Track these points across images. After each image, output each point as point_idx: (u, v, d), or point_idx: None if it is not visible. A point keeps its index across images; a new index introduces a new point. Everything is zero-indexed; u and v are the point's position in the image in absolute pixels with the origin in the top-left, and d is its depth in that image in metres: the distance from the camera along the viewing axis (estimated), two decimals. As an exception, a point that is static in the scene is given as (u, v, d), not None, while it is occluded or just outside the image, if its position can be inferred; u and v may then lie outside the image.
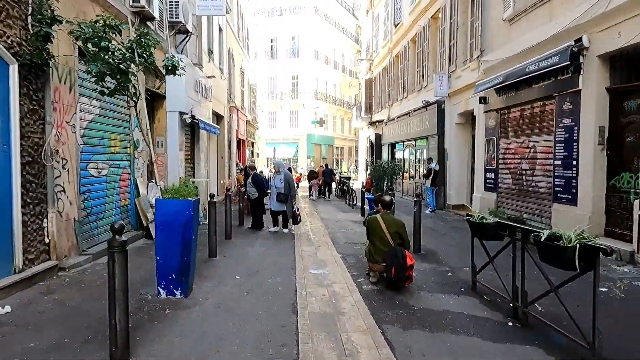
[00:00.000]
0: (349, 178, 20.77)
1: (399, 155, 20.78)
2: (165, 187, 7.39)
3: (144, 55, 4.82)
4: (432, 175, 13.58)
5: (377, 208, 6.26)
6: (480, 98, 11.53)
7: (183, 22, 10.31)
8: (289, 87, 42.34)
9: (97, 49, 4.57)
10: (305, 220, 12.02)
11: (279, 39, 42.55)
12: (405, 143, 19.26)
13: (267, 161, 39.05)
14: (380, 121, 22.80)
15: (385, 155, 22.01)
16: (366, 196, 12.03)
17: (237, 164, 21.88)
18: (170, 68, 4.90)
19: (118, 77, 4.76)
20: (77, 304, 4.76)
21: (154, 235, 7.45)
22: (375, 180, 11.73)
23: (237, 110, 21.16)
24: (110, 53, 4.60)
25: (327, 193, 20.80)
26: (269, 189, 10.19)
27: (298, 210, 9.92)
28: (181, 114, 10.64)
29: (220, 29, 16.93)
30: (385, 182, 11.35)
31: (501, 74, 10.16)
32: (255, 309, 4.73)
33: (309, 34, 41.20)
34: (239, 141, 23.52)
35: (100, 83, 4.88)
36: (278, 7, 42.26)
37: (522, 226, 4.29)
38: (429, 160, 13.97)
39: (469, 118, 13.64)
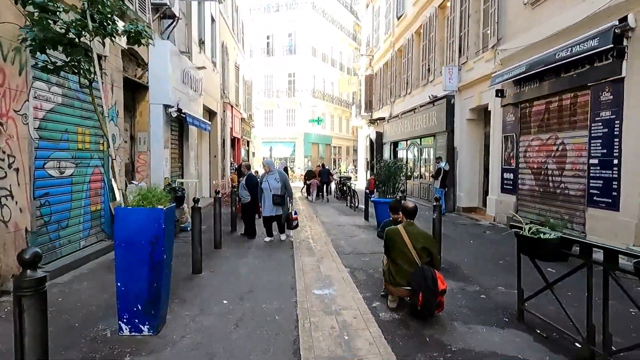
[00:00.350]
0: (349, 178, 19.67)
1: (401, 154, 19.69)
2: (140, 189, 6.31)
3: (105, 22, 3.69)
4: (441, 176, 12.50)
5: (395, 216, 5.16)
6: (497, 91, 10.45)
7: (168, 3, 9.16)
8: (286, 85, 41.19)
9: (39, 12, 3.44)
10: (304, 225, 10.90)
11: (275, 36, 41.39)
12: (409, 141, 18.18)
13: (264, 161, 38.02)
14: (382, 119, 21.71)
15: (387, 154, 20.92)
16: (372, 199, 10.92)
17: (231, 164, 20.75)
18: (132, 35, 3.74)
19: (68, 49, 3.62)
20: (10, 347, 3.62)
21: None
22: (381, 182, 10.64)
23: (232, 106, 20.02)
24: (53, 15, 3.45)
25: (324, 194, 19.74)
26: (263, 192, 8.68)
27: (295, 213, 8.69)
28: (166, 107, 9.49)
29: (212, 20, 15.78)
30: (394, 184, 10.22)
31: (523, 62, 9.07)
32: (246, 351, 3.60)
33: (306, 30, 40.06)
34: (233, 139, 22.37)
35: (42, 56, 3.73)
36: (274, 2, 41.09)
37: (604, 245, 3.18)
38: (438, 159, 12.86)
39: (482, 113, 12.57)
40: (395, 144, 20.31)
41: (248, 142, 27.20)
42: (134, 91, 9.19)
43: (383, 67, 22.24)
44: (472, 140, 12.81)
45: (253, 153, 29.16)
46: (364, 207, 13.11)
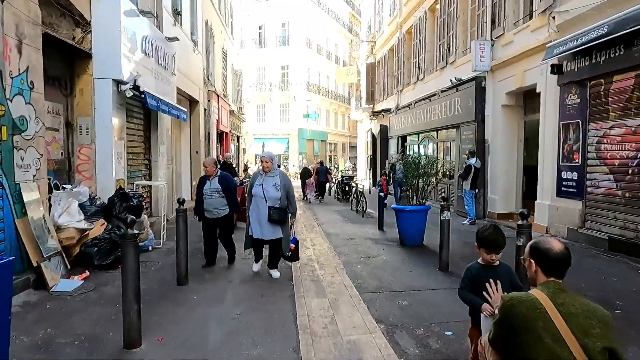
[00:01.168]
0: (352, 177, 17.22)
1: (412, 149, 17.30)
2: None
3: None
4: (471, 175, 10.08)
5: (489, 257, 2.68)
6: (553, 66, 8.02)
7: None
8: (279, 78, 38.60)
9: None
10: (305, 238, 8.43)
11: (267, 26, 38.76)
12: (421, 135, 15.75)
13: (256, 158, 35.36)
14: (387, 110, 19.25)
15: (392, 149, 18.47)
16: (394, 206, 8.49)
17: (218, 161, 18.20)
18: None
19: None
20: None
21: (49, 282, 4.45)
22: (404, 183, 8.21)
23: (218, 96, 17.47)
24: None
25: (322, 194, 17.34)
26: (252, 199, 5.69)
27: (295, 242, 5.83)
28: (118, 83, 6.94)
29: (193, -10, 13.21)
30: (425, 186, 7.76)
31: (599, 24, 6.65)
32: None
33: (300, 20, 37.47)
34: (220, 134, 19.81)
35: None
36: (266, -10, 38.46)
37: None
38: (471, 154, 10.30)
39: (521, 98, 10.16)
40: (403, 139, 17.86)
41: (238, 137, 24.64)
42: (72, 60, 6.63)
43: (388, 53, 19.77)
44: (509, 130, 10.38)
45: (244, 149, 26.61)
46: (376, 213, 10.69)
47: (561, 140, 8.09)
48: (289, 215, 5.65)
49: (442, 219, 6.05)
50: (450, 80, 12.05)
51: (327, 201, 16.98)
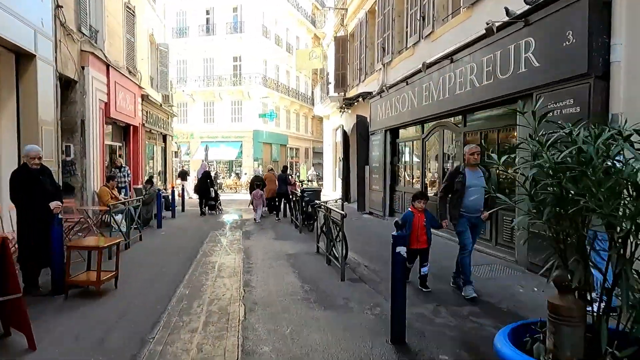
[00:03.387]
0: (317, 192, 11.01)
1: (408, 149, 11.31)
2: None
3: None
4: None
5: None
6: None
7: None
8: (230, 71, 32.04)
9: None
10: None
11: (216, 10, 32.19)
12: (429, 124, 9.74)
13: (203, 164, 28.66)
14: (365, 95, 13.27)
15: (377, 150, 12.41)
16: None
17: (113, 168, 11.60)
18: None
19: None
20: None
21: None
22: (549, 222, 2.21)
23: (109, 66, 10.88)
24: None
25: (281, 210, 11.25)
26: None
27: None
28: None
29: None
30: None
31: None
32: None
33: (254, 4, 31.18)
34: (126, 127, 13.20)
35: None
36: (215, -33, 31.94)
37: None
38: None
39: None
40: (394, 134, 11.81)
41: (165, 136, 17.92)
42: None
43: (366, 16, 13.82)
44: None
45: (174, 152, 19.88)
46: (367, 270, 4.62)
47: None
48: None
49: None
50: (507, 10, 6.08)
51: (279, 225, 10.83)
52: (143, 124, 14.22)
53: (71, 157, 9.47)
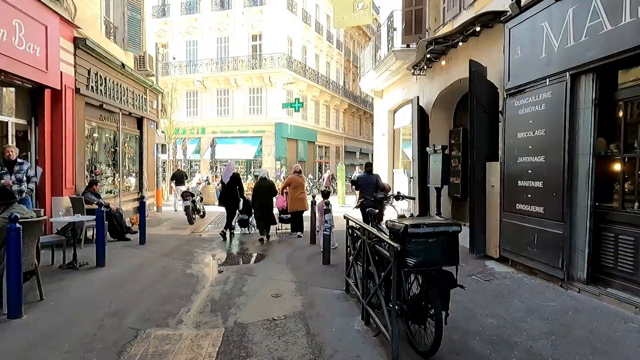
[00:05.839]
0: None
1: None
2: None
3: None
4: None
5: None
6: None
7: None
8: (249, 52, 25.75)
9: None
10: None
11: (232, -21, 26.02)
12: None
13: (211, 165, 22.40)
14: (491, 20, 6.49)
15: (539, 127, 5.54)
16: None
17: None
18: None
19: None
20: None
21: None
22: None
23: None
24: None
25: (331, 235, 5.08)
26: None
27: None
28: None
29: None
30: None
31: None
32: None
33: (278, -30, 24.86)
34: (37, 91, 6.83)
35: None
36: None
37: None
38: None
39: None
40: (604, 80, 4.75)
41: (142, 119, 11.56)
42: None
43: None
44: None
45: (162, 146, 13.51)
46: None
47: None
48: None
49: None
50: None
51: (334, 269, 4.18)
52: (77, 90, 7.85)
53: None
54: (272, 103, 25.09)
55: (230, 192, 8.54)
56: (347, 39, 35.29)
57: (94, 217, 6.23)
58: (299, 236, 8.77)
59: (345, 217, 4.81)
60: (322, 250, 6.25)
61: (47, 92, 7.15)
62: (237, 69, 25.54)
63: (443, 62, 7.74)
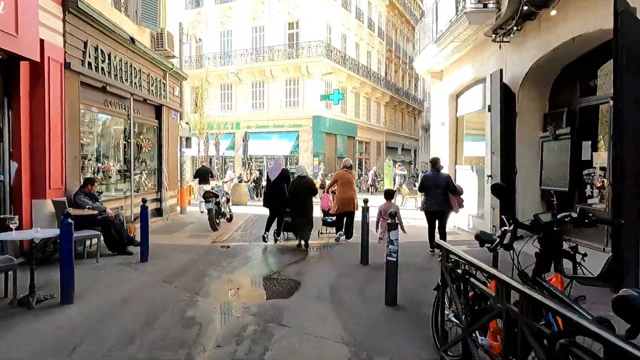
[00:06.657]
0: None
1: None
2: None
3: None
4: None
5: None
6: None
7: None
8: (285, 41, 23.96)
9: None
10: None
11: (267, -37, 24.29)
12: None
13: (245, 162, 20.81)
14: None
15: None
16: None
17: None
18: None
19: None
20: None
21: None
22: None
23: None
24: None
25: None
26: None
27: None
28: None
29: None
30: None
31: None
32: None
33: (316, -48, 22.86)
34: (12, 65, 4.94)
35: None
36: None
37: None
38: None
39: None
40: None
41: (160, 109, 9.95)
42: None
43: None
44: None
45: (187, 139, 11.87)
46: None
47: None
48: None
49: None
50: None
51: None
52: (68, 64, 6.19)
53: None
54: (310, 95, 23.20)
55: (278, 190, 7.17)
56: (389, 27, 32.79)
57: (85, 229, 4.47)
58: (342, 238, 6.99)
59: (441, 246, 2.75)
60: (385, 284, 4.18)
61: (24, 66, 5.51)
62: (272, 59, 23.80)
63: (553, 12, 5.42)
